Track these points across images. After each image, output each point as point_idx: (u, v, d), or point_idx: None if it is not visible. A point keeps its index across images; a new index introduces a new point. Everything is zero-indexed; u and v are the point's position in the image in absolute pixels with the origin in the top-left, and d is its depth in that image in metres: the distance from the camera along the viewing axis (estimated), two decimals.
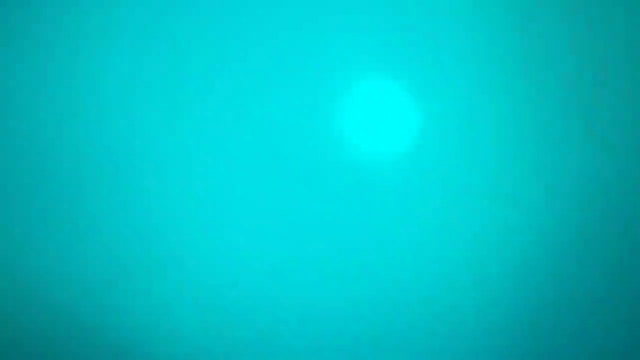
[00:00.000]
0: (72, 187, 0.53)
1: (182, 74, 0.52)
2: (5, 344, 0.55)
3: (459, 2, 0.47)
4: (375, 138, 0.49)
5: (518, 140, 0.48)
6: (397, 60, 0.48)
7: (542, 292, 0.51)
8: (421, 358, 0.54)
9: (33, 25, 0.53)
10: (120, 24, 0.53)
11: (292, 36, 0.49)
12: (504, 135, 0.48)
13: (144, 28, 0.53)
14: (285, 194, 0.52)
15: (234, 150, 0.52)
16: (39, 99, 0.54)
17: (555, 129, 0.48)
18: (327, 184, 0.51)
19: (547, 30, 0.47)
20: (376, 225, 0.50)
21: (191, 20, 0.52)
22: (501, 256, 0.51)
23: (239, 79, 0.50)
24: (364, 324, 0.53)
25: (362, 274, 0.52)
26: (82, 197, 0.54)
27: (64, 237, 0.54)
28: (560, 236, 0.50)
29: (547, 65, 0.48)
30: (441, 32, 0.47)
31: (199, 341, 0.56)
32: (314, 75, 0.49)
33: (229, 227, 0.53)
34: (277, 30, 0.49)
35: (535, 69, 0.47)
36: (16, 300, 0.54)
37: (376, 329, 0.53)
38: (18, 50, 0.54)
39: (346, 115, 0.49)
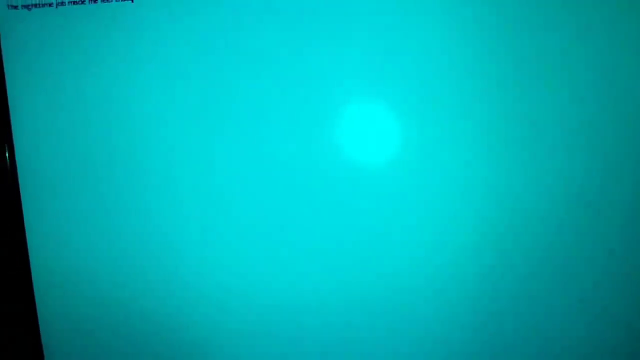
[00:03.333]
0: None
1: (189, 84, 0.55)
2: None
3: (438, 44, 0.52)
4: (365, 147, 0.54)
5: (480, 146, 0.53)
6: (384, 86, 0.53)
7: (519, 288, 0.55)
8: (402, 350, 0.57)
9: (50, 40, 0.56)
10: (131, 34, 0.55)
11: (296, 68, 0.54)
12: (471, 144, 0.54)
13: (155, 38, 0.55)
14: (286, 195, 0.55)
15: (242, 157, 0.56)
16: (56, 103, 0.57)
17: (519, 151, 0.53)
18: (324, 184, 0.55)
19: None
20: (366, 221, 0.54)
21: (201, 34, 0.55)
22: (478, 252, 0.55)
23: (250, 100, 0.55)
24: (355, 315, 0.57)
25: (355, 267, 0.56)
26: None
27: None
28: (540, 237, 0.54)
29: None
30: (423, 68, 0.52)
31: (200, 333, 0.59)
32: (316, 97, 0.54)
33: (229, 226, 0.56)
34: (284, 65, 0.54)
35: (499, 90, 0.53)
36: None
37: (365, 323, 0.57)
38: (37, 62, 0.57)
39: (342, 129, 0.54)
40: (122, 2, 0.54)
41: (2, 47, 0.56)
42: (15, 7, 0.55)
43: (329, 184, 0.55)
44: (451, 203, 0.54)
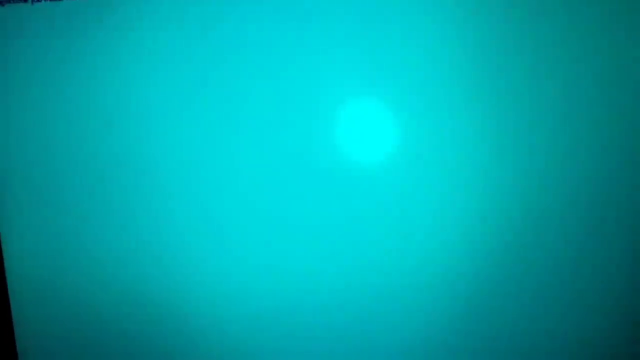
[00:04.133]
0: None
1: (193, 86, 0.54)
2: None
3: (432, 46, 0.52)
4: (363, 145, 0.54)
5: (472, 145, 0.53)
6: (382, 85, 0.53)
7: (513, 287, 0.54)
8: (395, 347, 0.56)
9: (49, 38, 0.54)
10: (135, 34, 0.54)
11: (297, 70, 0.53)
12: (460, 143, 0.53)
13: (157, 39, 0.54)
14: (287, 194, 0.55)
15: (242, 157, 0.55)
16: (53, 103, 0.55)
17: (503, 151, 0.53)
18: (323, 183, 0.55)
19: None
20: (364, 218, 0.55)
21: (207, 36, 0.53)
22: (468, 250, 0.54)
23: (252, 102, 0.54)
24: (353, 313, 0.56)
25: (353, 264, 0.55)
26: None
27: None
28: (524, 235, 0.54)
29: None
30: (416, 69, 0.52)
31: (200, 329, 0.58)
32: (315, 97, 0.54)
33: (230, 225, 0.55)
34: (285, 65, 0.53)
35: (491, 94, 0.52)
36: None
37: (364, 319, 0.56)
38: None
39: (340, 128, 0.54)
40: None
41: None
42: None
43: (331, 184, 0.54)
44: (451, 203, 0.53)
